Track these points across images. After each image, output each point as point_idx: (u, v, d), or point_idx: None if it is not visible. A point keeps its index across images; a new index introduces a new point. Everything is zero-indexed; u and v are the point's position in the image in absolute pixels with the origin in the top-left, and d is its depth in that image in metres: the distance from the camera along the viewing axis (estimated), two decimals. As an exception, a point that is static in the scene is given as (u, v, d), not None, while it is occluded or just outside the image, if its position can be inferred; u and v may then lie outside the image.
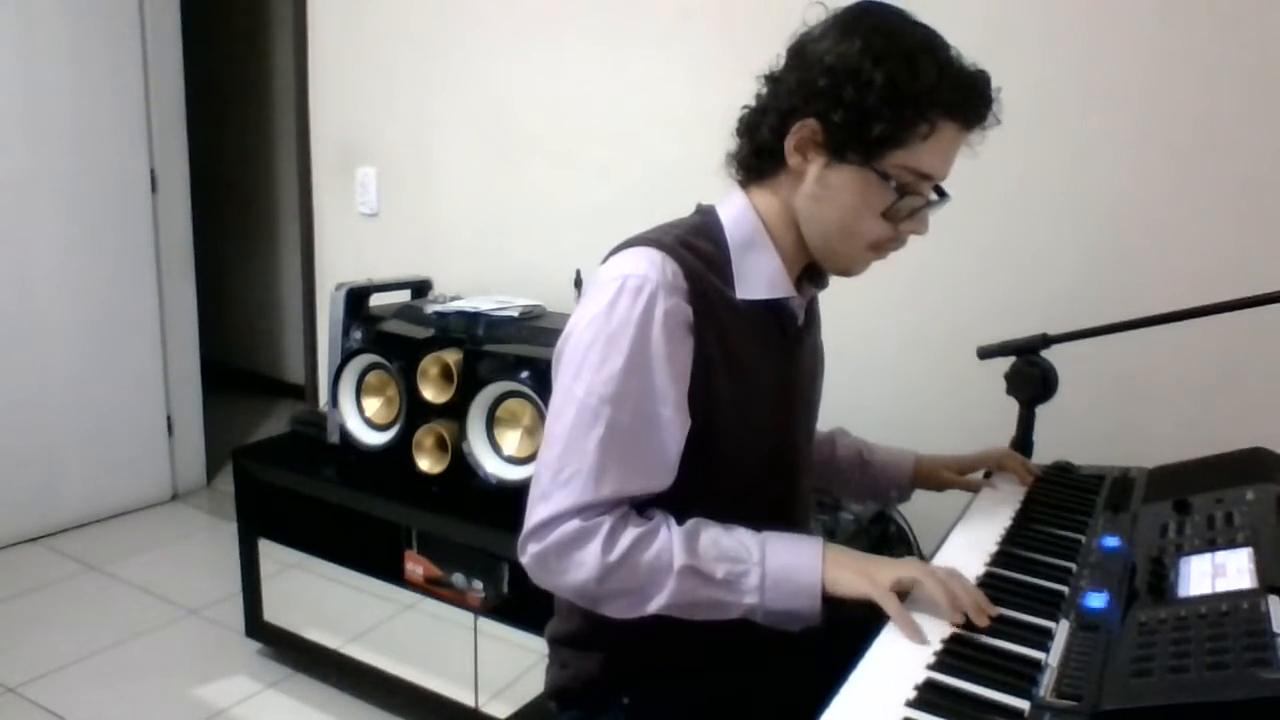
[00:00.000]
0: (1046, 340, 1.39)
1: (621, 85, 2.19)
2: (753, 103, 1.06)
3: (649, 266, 0.97)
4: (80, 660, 2.26)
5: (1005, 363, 1.41)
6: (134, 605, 2.52)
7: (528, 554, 0.97)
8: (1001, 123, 1.03)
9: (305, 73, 2.71)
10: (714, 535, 0.98)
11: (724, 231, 1.06)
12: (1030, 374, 1.39)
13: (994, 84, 1.00)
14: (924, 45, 0.96)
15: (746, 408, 1.05)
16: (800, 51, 1.01)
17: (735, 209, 1.07)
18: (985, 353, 1.44)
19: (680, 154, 2.09)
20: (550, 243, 2.35)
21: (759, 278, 1.05)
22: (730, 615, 0.98)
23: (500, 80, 2.37)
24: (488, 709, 1.90)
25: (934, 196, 1.04)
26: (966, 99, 0.97)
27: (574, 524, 0.94)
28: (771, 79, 1.04)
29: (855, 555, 0.99)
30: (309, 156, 2.77)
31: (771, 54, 1.04)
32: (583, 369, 0.96)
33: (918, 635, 0.88)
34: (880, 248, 1.05)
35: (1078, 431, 1.44)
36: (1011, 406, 1.43)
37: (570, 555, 0.95)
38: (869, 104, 0.95)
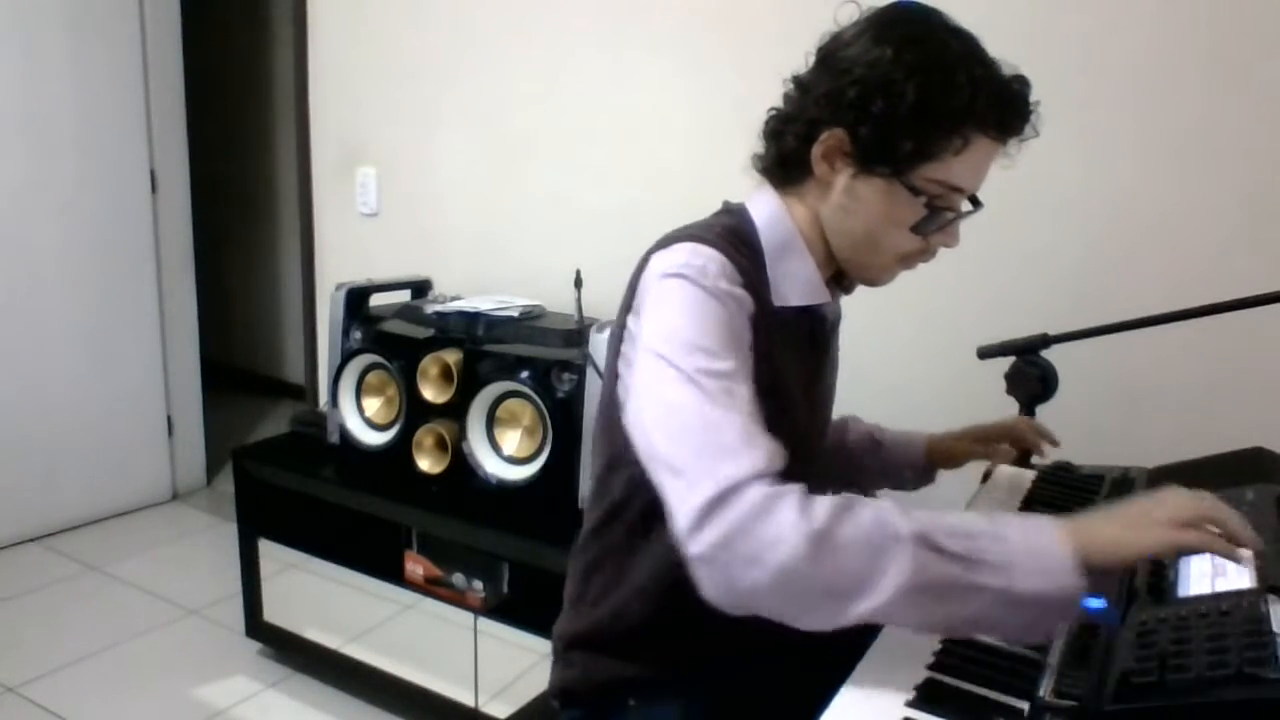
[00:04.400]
0: (1046, 340, 1.38)
1: (622, 86, 2.18)
2: (780, 105, 1.02)
3: (707, 260, 0.92)
4: (80, 660, 2.26)
5: (1005, 363, 1.41)
6: (134, 605, 2.52)
7: (703, 543, 0.78)
8: (1039, 134, 0.98)
9: (305, 73, 2.71)
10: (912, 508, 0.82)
11: (758, 235, 1.02)
12: (1030, 374, 1.38)
13: (1033, 96, 0.96)
14: (960, 56, 0.92)
15: (774, 410, 1.01)
16: (830, 57, 0.96)
17: (768, 210, 1.03)
18: (985, 353, 1.44)
19: (681, 154, 2.09)
20: (550, 243, 2.35)
21: (794, 284, 1.02)
22: (965, 611, 0.78)
23: (500, 80, 2.37)
24: (488, 709, 1.90)
25: (966, 207, 1.00)
26: (1002, 113, 0.93)
27: (757, 489, 0.78)
28: (799, 84, 0.99)
29: (1095, 516, 0.84)
30: (309, 156, 2.77)
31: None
32: (679, 352, 0.87)
33: (1245, 547, 0.78)
34: (909, 260, 1.02)
35: (1078, 431, 1.44)
36: (1011, 406, 1.43)
37: (759, 532, 0.76)
38: (899, 118, 0.91)
